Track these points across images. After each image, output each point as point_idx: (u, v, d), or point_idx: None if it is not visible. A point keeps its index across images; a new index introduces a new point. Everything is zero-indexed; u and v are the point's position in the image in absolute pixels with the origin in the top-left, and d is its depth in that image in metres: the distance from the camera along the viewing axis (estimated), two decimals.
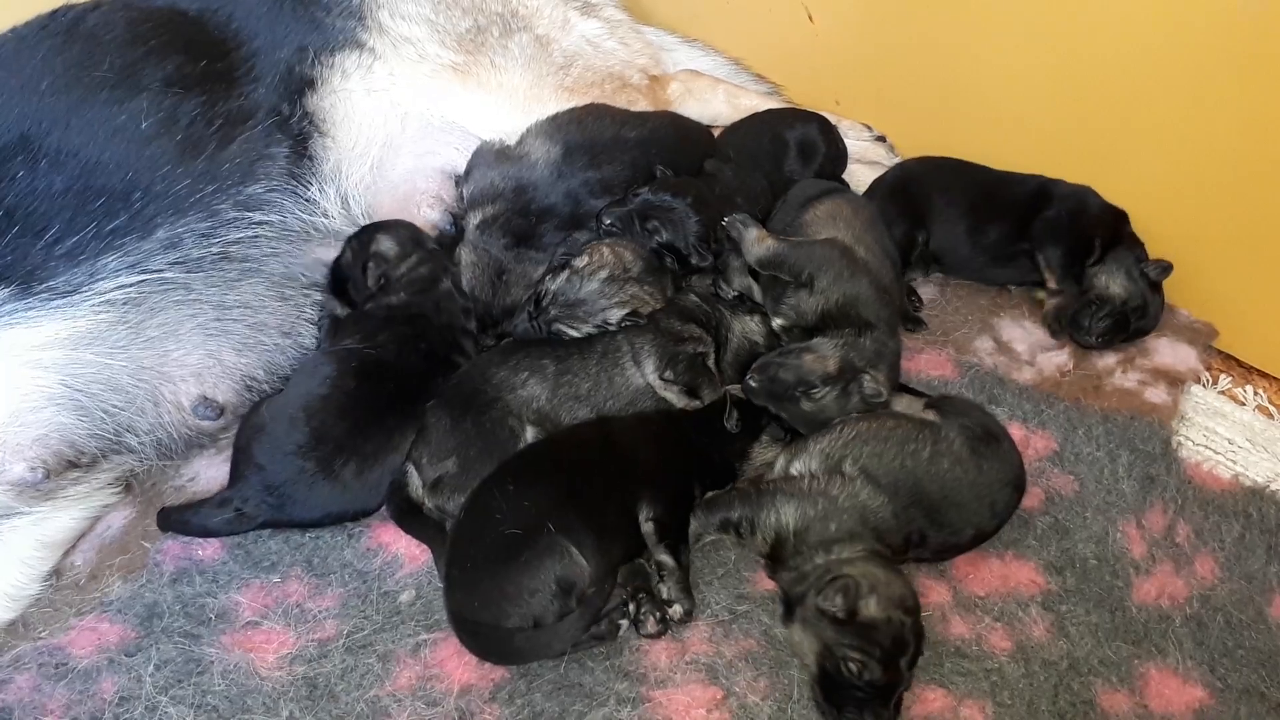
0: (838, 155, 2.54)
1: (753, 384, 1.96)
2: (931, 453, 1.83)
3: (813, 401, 1.96)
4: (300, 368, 2.06)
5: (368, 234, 2.20)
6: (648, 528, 1.82)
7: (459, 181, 2.36)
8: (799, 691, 1.72)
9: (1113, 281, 2.31)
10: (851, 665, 1.61)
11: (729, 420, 1.96)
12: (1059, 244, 2.36)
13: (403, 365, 2.00)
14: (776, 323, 2.12)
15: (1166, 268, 2.32)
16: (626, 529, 1.81)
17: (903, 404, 2.02)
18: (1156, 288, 2.33)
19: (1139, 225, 2.39)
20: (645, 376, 2.03)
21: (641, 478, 1.84)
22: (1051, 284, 2.38)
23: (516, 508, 1.74)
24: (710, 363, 2.08)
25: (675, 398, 2.03)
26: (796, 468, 1.86)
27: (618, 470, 1.85)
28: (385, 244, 2.17)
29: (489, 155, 2.35)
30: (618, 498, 1.82)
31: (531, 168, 2.30)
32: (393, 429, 1.94)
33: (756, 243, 2.10)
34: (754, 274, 2.19)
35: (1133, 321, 2.30)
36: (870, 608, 1.63)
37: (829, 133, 2.53)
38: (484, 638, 1.71)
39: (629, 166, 2.31)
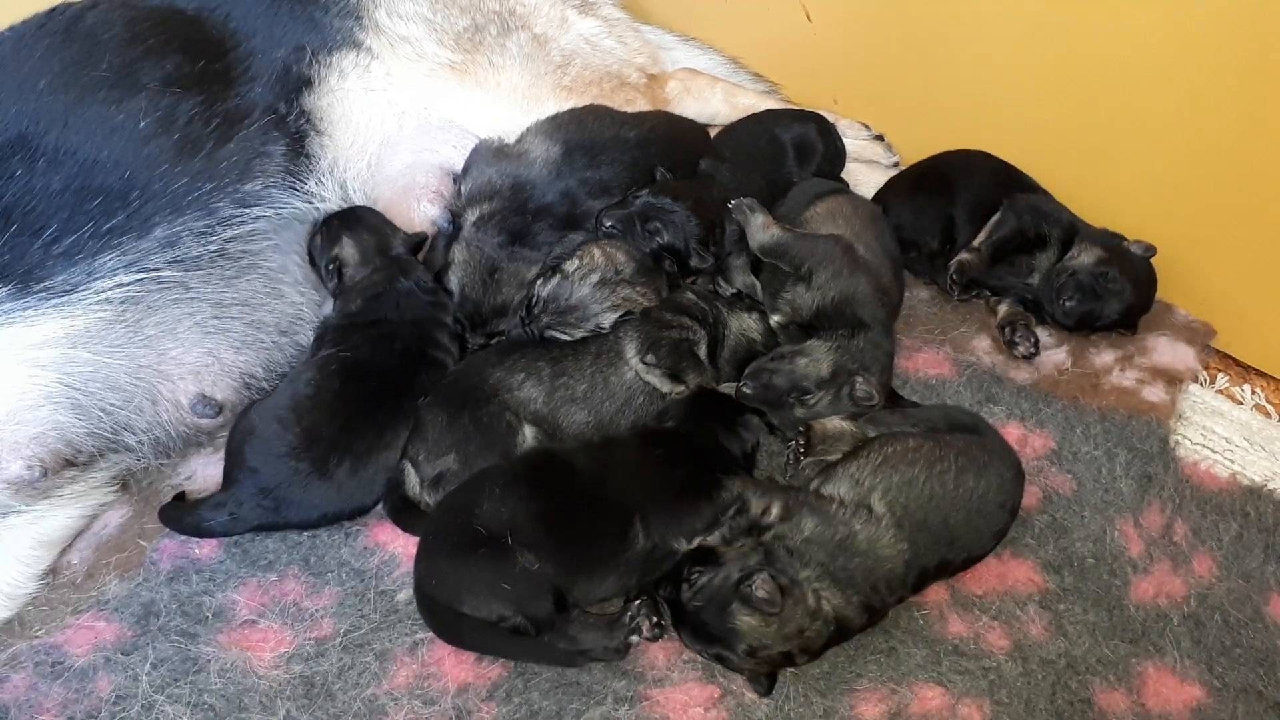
0: (835, 155, 2.53)
1: (747, 390, 1.96)
2: (957, 470, 1.80)
3: (806, 407, 1.96)
4: (286, 377, 2.07)
5: (336, 229, 2.18)
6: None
7: (457, 179, 2.36)
8: (795, 689, 1.72)
9: (1084, 253, 2.31)
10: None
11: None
12: (1014, 221, 2.35)
13: (381, 364, 2.01)
14: (774, 319, 2.12)
15: (1149, 246, 2.31)
16: (619, 563, 1.76)
17: (832, 425, 1.97)
18: (1139, 266, 2.31)
19: (1136, 224, 2.38)
20: (628, 361, 2.03)
21: (647, 509, 1.78)
22: (976, 242, 2.36)
23: (493, 509, 1.72)
24: (701, 351, 2.07)
25: (659, 382, 2.02)
26: (828, 490, 1.81)
27: (611, 510, 1.77)
28: (348, 250, 2.17)
29: (487, 153, 2.35)
30: (609, 544, 1.75)
31: (530, 166, 2.29)
32: (383, 426, 1.94)
33: (762, 229, 2.11)
34: (755, 270, 2.20)
35: (1105, 290, 2.26)
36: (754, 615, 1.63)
37: (827, 133, 2.53)
38: (437, 615, 1.72)
39: (628, 167, 2.31)
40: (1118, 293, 2.28)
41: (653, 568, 1.77)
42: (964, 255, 2.35)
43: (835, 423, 1.97)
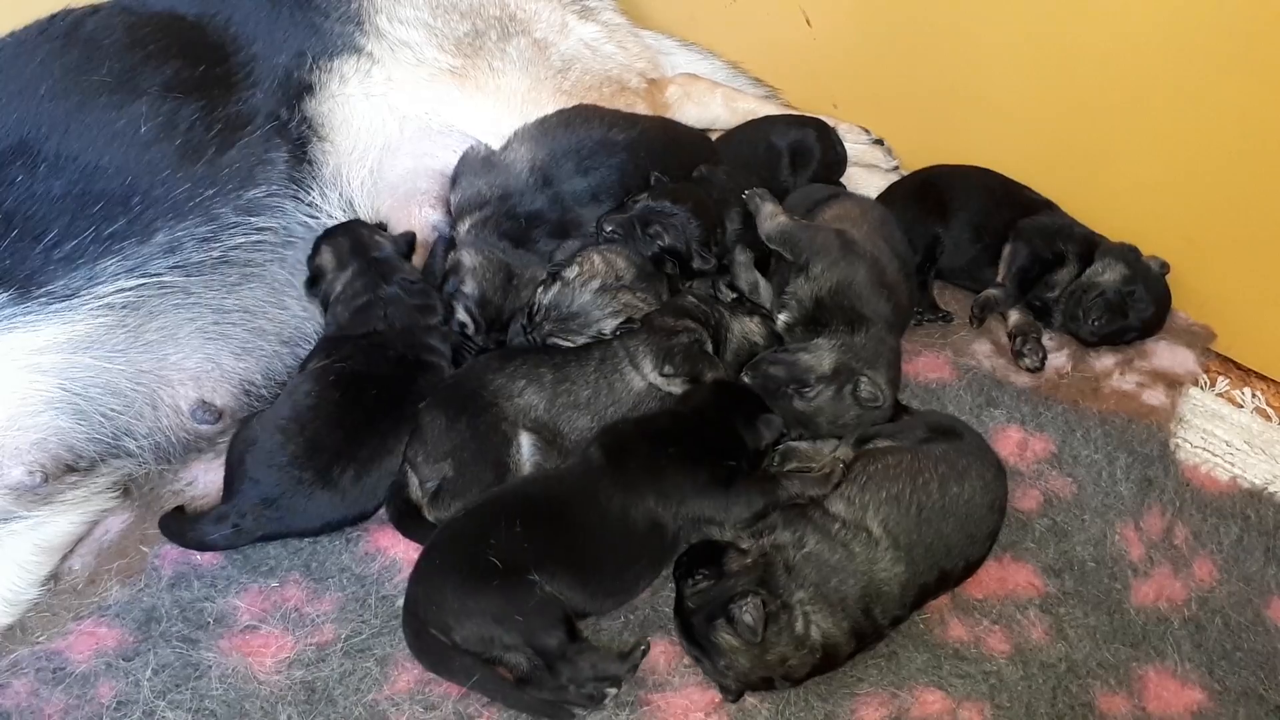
0: (833, 161, 2.53)
1: (746, 379, 1.97)
2: (940, 479, 1.80)
3: (805, 401, 1.95)
4: (284, 389, 2.05)
5: (319, 240, 2.17)
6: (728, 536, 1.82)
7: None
8: (796, 693, 1.72)
9: (1108, 269, 2.31)
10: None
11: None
12: (1027, 249, 2.36)
13: (377, 373, 2.00)
14: (781, 318, 2.12)
15: (1163, 263, 2.32)
16: (655, 565, 1.81)
17: (828, 447, 1.98)
18: (1159, 284, 2.32)
19: (1136, 228, 2.39)
20: (646, 377, 2.02)
21: (683, 503, 1.81)
22: (999, 278, 2.38)
23: (511, 545, 1.70)
24: (708, 348, 2.06)
25: (680, 389, 2.02)
26: (831, 508, 1.80)
27: (645, 524, 1.78)
28: (325, 256, 2.14)
29: (475, 162, 2.32)
30: (648, 555, 1.79)
31: (517, 176, 2.27)
32: (386, 433, 1.94)
33: (771, 217, 2.14)
34: (762, 269, 2.21)
35: (1130, 308, 2.28)
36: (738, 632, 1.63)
37: (825, 138, 2.53)
38: (424, 640, 1.69)
39: (617, 171, 2.28)
40: (1142, 310, 2.30)
41: (678, 549, 1.80)
42: (991, 292, 2.37)
43: (806, 445, 1.99)
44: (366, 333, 2.06)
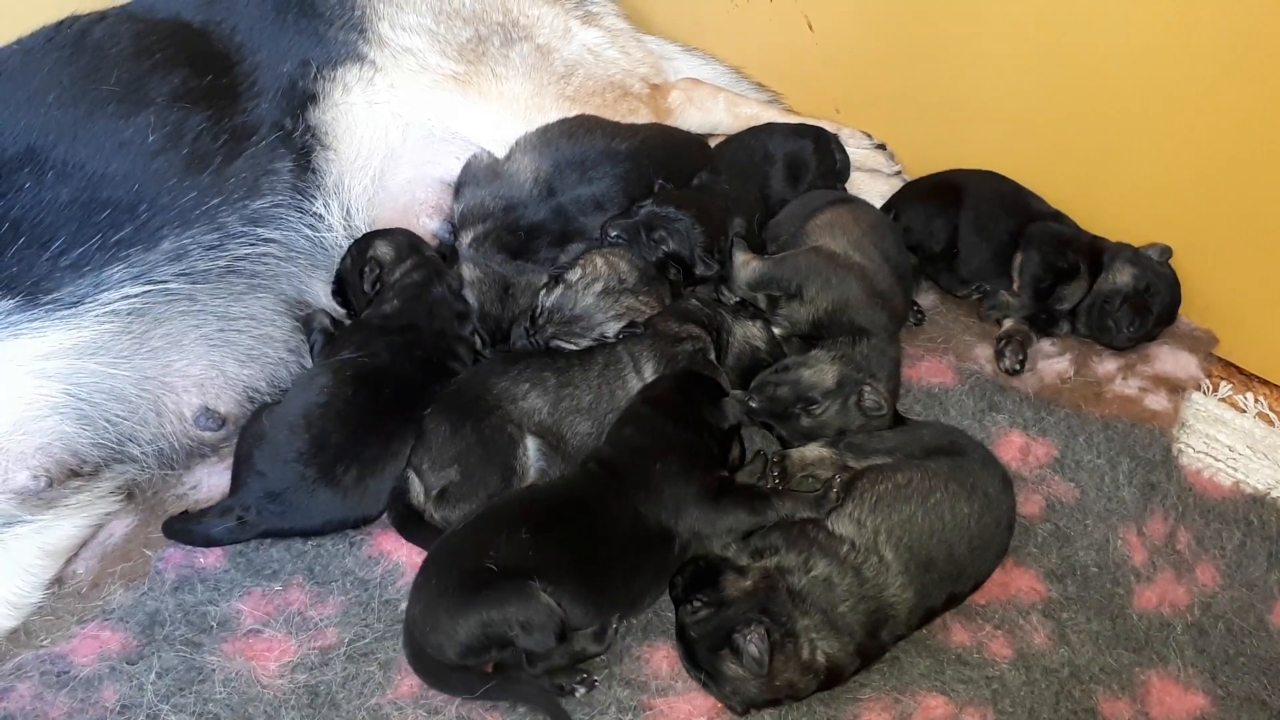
0: (830, 171, 2.52)
1: (754, 405, 1.97)
2: (951, 498, 1.78)
3: (813, 418, 1.96)
4: (297, 379, 2.08)
5: (366, 240, 2.23)
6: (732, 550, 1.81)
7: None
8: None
9: (1118, 274, 2.31)
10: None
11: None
12: (1038, 256, 2.35)
13: (398, 372, 2.02)
14: (776, 331, 2.14)
15: (1165, 249, 2.33)
16: (663, 576, 1.79)
17: (811, 453, 1.97)
18: (1167, 271, 2.33)
19: (1139, 233, 2.39)
20: (647, 381, 2.02)
21: (683, 513, 1.80)
22: (1015, 286, 2.37)
23: (514, 551, 1.69)
24: (711, 356, 2.07)
25: None
26: (837, 529, 1.77)
27: (651, 535, 1.78)
28: (382, 249, 2.20)
29: (479, 171, 2.34)
30: (653, 567, 1.79)
31: (520, 186, 2.28)
32: (392, 435, 1.95)
33: (743, 267, 2.14)
34: None
35: (1152, 303, 2.28)
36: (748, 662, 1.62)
37: (823, 149, 2.52)
38: (424, 659, 1.70)
39: (620, 180, 2.30)
40: (1163, 302, 2.31)
41: (684, 558, 1.80)
42: (1008, 298, 2.37)
43: (814, 450, 1.97)
44: (405, 325, 2.09)
